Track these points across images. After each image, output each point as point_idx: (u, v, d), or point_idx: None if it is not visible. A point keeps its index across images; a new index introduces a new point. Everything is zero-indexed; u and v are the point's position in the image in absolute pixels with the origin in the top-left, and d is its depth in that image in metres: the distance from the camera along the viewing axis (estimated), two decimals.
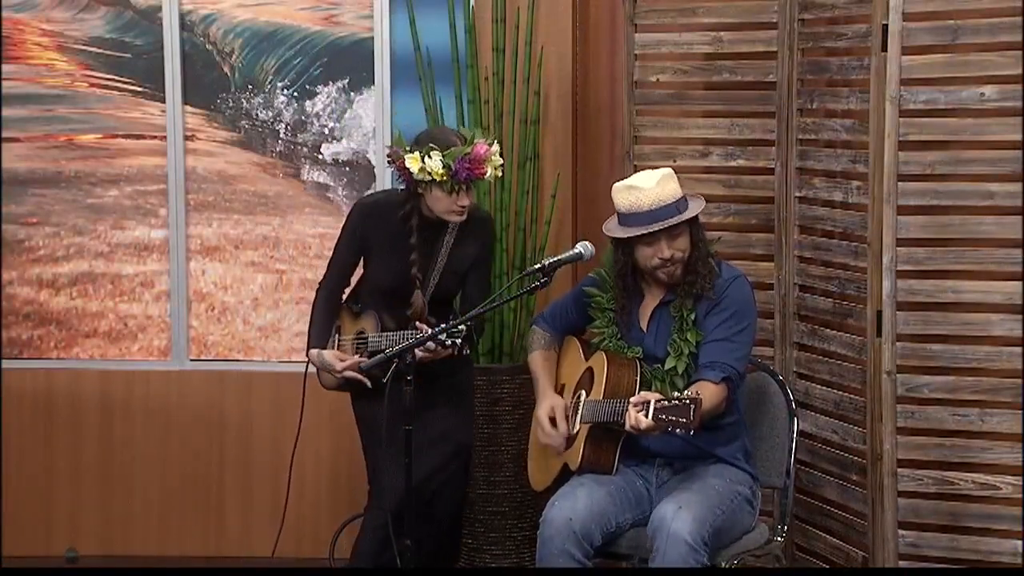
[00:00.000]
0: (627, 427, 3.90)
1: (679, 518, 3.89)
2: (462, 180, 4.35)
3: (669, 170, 4.15)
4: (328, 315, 4.61)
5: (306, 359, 4.58)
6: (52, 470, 5.61)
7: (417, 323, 4.35)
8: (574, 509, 4.01)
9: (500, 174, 4.48)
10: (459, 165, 4.32)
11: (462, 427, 4.60)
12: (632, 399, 3.90)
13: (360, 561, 4.54)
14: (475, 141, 4.37)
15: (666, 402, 3.82)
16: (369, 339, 4.52)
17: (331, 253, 4.65)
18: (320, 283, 4.65)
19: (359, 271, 4.66)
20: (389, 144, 4.51)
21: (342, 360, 4.47)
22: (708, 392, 3.96)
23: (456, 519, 4.67)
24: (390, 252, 4.50)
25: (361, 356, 4.47)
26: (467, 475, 4.72)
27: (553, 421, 4.24)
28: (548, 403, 4.28)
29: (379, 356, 4.00)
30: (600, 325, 4.25)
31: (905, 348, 4.35)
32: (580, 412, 4.19)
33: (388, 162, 4.48)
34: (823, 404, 4.64)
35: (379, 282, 4.56)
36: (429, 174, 4.33)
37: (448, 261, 4.50)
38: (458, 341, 4.12)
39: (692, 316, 4.11)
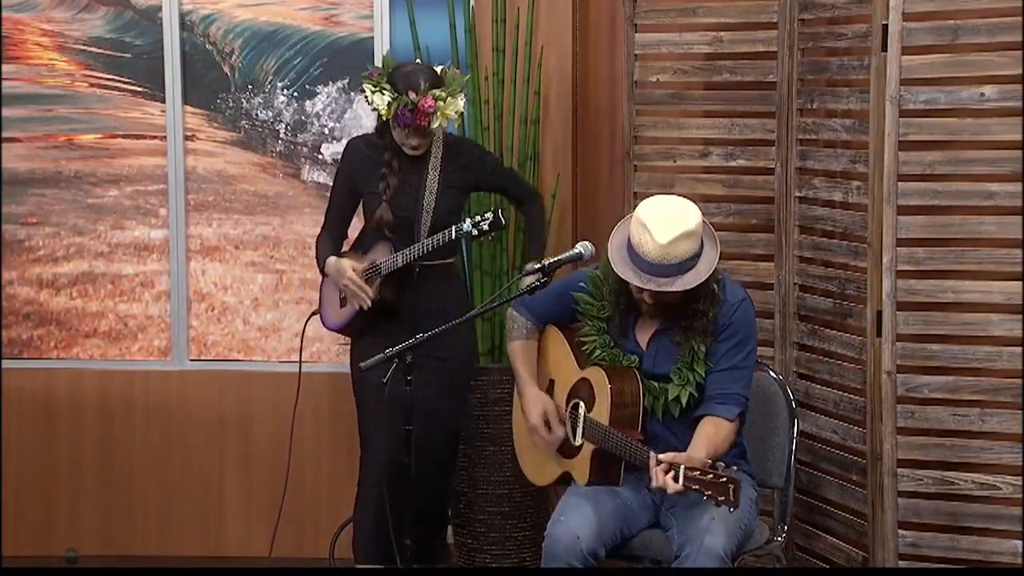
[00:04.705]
0: (652, 486, 3.81)
1: (713, 530, 3.87)
2: (401, 125, 4.49)
3: (694, 224, 3.89)
4: (334, 245, 4.73)
5: (299, 361, 4.70)
6: (52, 470, 5.61)
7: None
8: (581, 527, 3.94)
9: (447, 124, 4.61)
10: (401, 111, 4.46)
11: (451, 411, 4.58)
12: (659, 457, 3.79)
13: (361, 536, 4.60)
14: (427, 93, 4.46)
15: (699, 473, 3.73)
16: (380, 263, 4.59)
17: (327, 203, 4.79)
18: (319, 234, 4.77)
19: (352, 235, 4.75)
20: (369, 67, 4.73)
21: (354, 269, 4.58)
22: (725, 432, 3.96)
23: (440, 507, 4.64)
24: (379, 180, 4.62)
25: (372, 283, 4.56)
26: (454, 462, 4.70)
27: (548, 426, 4.21)
28: (539, 406, 4.21)
29: (378, 356, 3.98)
30: (591, 333, 4.15)
31: (905, 348, 4.35)
32: (581, 427, 4.13)
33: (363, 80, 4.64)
34: (823, 404, 4.63)
35: (376, 213, 4.63)
36: (377, 109, 4.53)
37: (443, 178, 4.60)
38: (485, 227, 4.34)
39: (703, 349, 4.02)
